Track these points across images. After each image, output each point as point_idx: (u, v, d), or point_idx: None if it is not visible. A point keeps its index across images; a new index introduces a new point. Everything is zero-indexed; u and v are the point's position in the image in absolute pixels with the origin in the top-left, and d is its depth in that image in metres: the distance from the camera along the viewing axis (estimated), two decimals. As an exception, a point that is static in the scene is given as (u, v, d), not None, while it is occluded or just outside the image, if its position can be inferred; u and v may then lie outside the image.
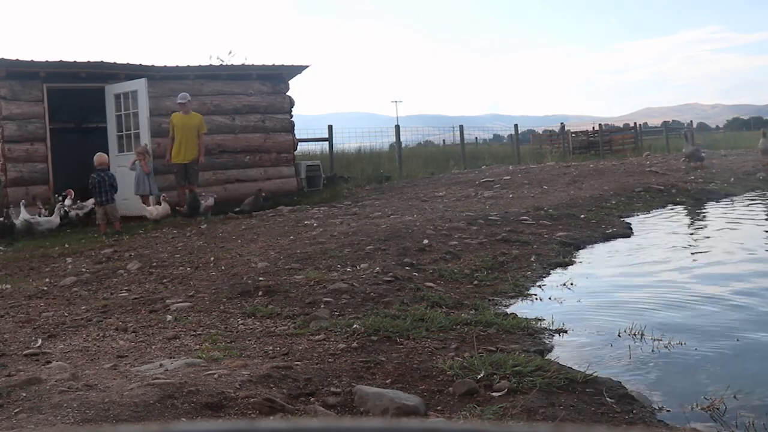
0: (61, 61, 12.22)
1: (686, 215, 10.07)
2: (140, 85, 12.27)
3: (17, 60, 11.80)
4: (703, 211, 10.42)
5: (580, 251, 7.26)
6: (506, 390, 3.10)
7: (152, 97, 12.47)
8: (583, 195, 11.04)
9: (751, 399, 3.18)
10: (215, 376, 3.21)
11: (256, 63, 14.31)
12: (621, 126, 40.98)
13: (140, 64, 12.98)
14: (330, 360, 3.60)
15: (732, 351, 3.83)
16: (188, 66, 13.57)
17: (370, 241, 6.91)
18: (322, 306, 4.69)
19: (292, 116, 14.90)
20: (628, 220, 9.32)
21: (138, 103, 12.28)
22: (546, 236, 7.61)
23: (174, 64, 13.39)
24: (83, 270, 6.95)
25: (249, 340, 4.04)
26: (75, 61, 12.34)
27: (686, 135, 17.41)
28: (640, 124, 36.09)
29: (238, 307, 4.84)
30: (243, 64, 14.37)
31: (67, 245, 9.04)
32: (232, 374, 3.24)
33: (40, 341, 4.30)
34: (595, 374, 3.28)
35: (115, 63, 12.74)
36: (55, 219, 10.75)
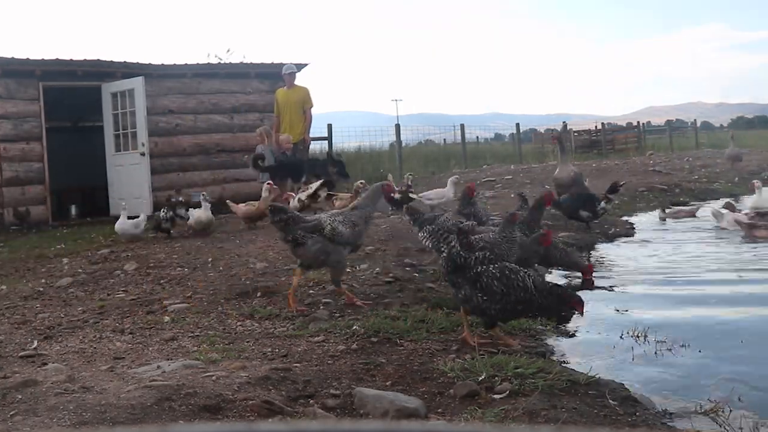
0: (57, 59, 12.16)
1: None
2: (137, 84, 12.21)
3: (13, 58, 11.74)
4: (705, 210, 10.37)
5: (582, 251, 7.22)
6: (508, 392, 3.08)
7: (149, 95, 12.41)
8: (584, 194, 10.99)
9: (755, 402, 3.15)
10: (213, 378, 3.17)
11: (254, 61, 14.26)
12: (624, 125, 40.88)
13: (137, 63, 12.92)
14: (329, 362, 3.56)
15: (736, 353, 3.80)
16: (186, 64, 13.51)
17: (370, 241, 6.86)
18: (321, 307, 4.66)
19: (291, 115, 14.86)
20: (630, 219, 9.30)
21: (135, 102, 12.23)
22: (547, 236, 7.57)
23: (171, 63, 13.33)
24: (80, 271, 6.90)
25: (247, 342, 4.00)
26: (71, 59, 12.28)
27: (560, 142, 9.71)
28: (643, 123, 36.02)
29: (236, 308, 4.80)
30: (241, 63, 14.32)
31: (63, 246, 9.00)
32: (230, 376, 3.20)
33: (36, 343, 4.27)
34: (597, 376, 3.25)
35: (111, 61, 12.69)
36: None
